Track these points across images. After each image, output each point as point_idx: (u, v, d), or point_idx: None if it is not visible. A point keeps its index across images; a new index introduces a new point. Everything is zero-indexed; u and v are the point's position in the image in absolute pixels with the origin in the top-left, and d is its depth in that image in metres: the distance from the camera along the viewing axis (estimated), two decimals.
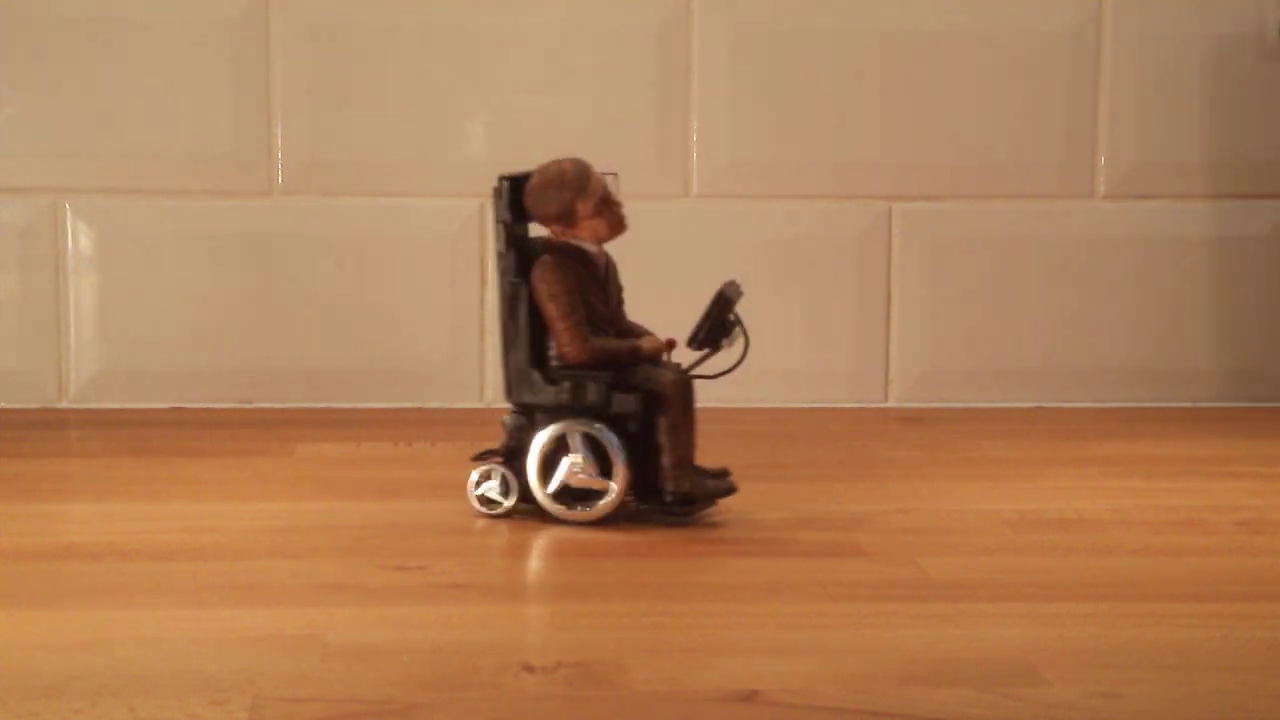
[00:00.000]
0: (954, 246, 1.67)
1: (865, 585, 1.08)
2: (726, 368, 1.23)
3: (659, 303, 1.65)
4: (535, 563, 1.13)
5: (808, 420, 1.62)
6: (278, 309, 1.63)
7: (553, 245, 1.23)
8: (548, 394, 1.22)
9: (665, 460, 1.21)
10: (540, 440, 1.21)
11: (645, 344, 1.23)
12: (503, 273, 1.23)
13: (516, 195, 1.23)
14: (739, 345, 1.23)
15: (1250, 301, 1.70)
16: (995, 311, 1.68)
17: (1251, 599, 1.05)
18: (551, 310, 1.21)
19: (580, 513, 1.21)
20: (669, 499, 1.22)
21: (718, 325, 1.23)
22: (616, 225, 1.23)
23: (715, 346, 1.23)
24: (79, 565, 1.10)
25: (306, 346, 1.64)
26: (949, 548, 1.16)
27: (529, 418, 1.23)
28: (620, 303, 1.26)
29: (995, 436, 1.54)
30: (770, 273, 1.65)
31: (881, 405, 1.68)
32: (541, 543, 1.18)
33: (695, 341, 1.23)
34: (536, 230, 1.25)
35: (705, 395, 1.65)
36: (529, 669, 0.91)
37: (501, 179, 1.23)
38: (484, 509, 1.23)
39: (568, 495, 1.22)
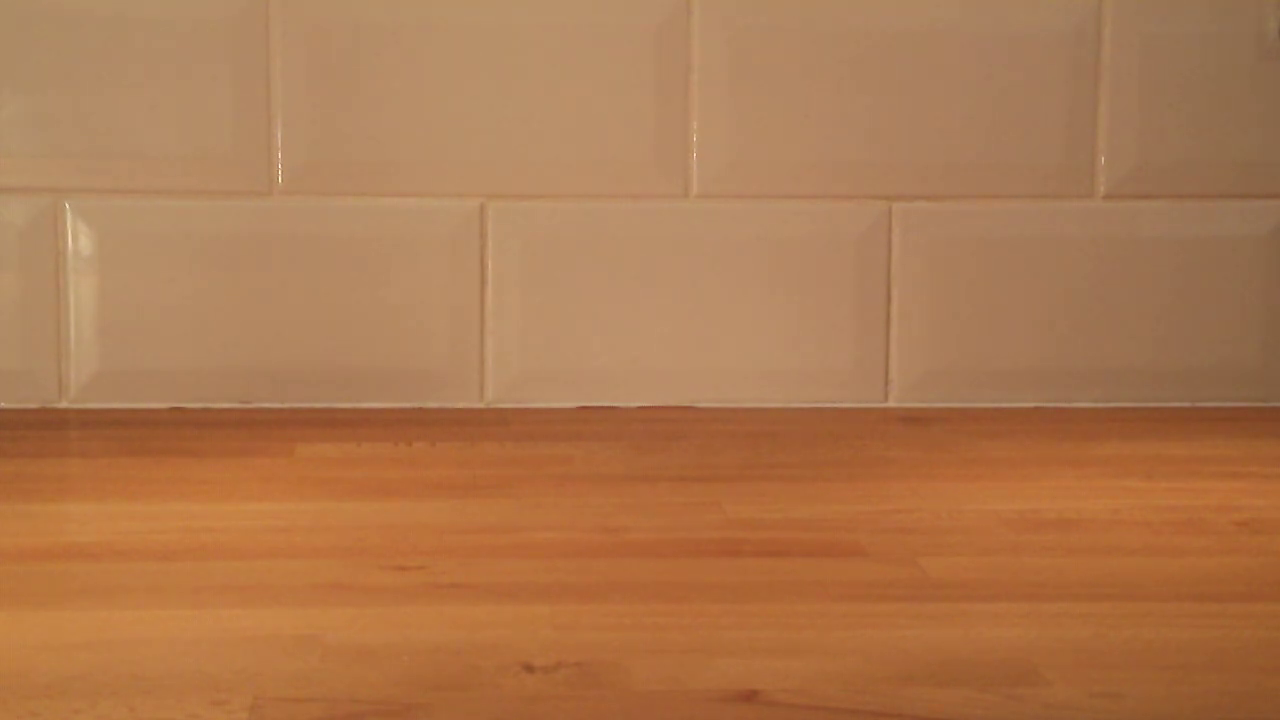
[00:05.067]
0: (954, 246, 1.67)
1: (865, 585, 1.08)
2: None
3: (659, 302, 1.66)
4: (535, 563, 1.13)
5: (808, 420, 1.61)
6: (277, 309, 1.63)
7: None
8: None
9: None
10: None
11: None
12: None
13: None
14: None
15: (1250, 301, 1.70)
16: (995, 311, 1.68)
17: (1251, 599, 1.05)
18: None
19: None
20: None
21: None
22: None
23: None
24: (79, 565, 1.10)
25: (306, 346, 1.64)
26: (949, 548, 1.16)
27: None
28: None
29: (995, 436, 1.54)
30: (770, 273, 1.65)
31: (881, 405, 1.68)
32: (542, 542, 1.18)
33: None
34: None
35: (703, 395, 1.66)
36: (529, 669, 0.91)
37: None
38: None
39: None
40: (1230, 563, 1.14)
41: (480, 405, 1.65)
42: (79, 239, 1.62)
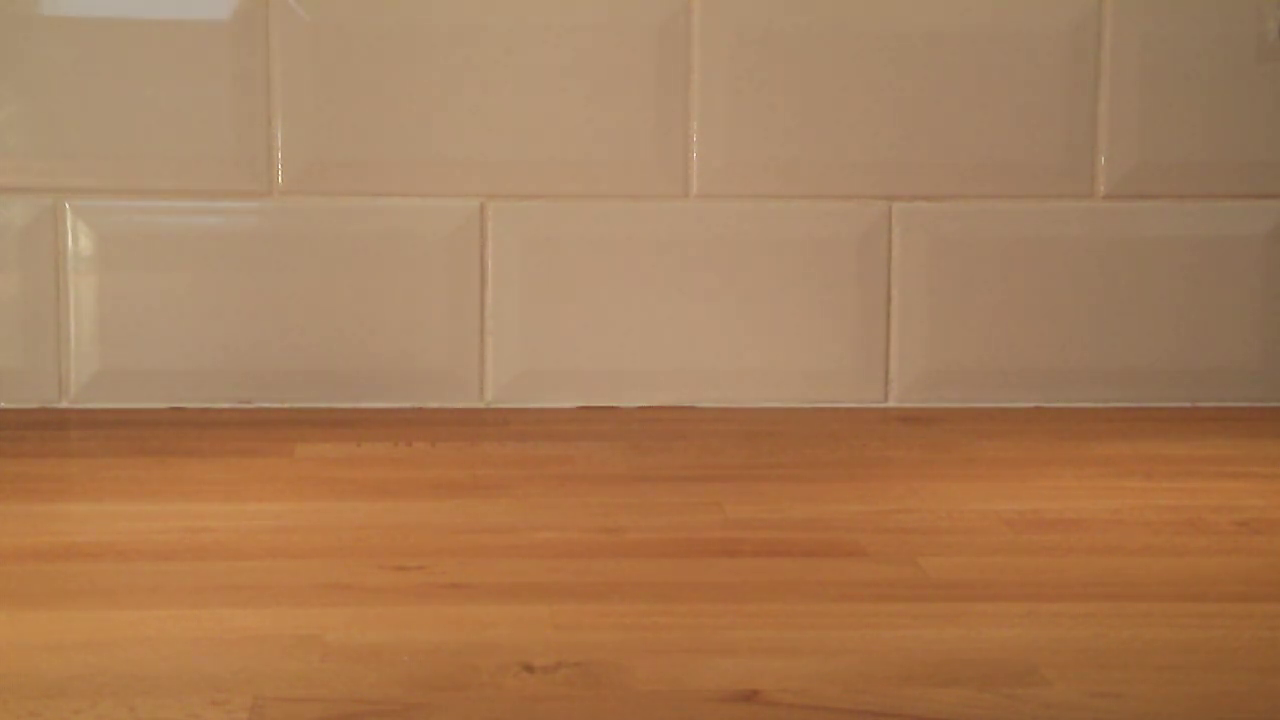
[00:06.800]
0: (954, 246, 1.67)
1: (865, 585, 1.08)
2: None
3: (659, 302, 1.66)
4: (535, 563, 1.13)
5: (808, 420, 1.61)
6: (278, 309, 1.63)
7: None
8: None
9: None
10: None
11: None
12: None
13: None
14: None
15: (1250, 301, 1.70)
16: (995, 311, 1.68)
17: (1251, 599, 1.05)
18: None
19: None
20: None
21: None
22: None
23: None
24: (79, 565, 1.10)
25: (306, 346, 1.64)
26: (949, 548, 1.16)
27: None
28: None
29: (995, 436, 1.54)
30: (770, 273, 1.65)
31: (881, 405, 1.68)
32: (542, 542, 1.18)
33: None
34: None
35: (703, 395, 1.66)
36: (529, 669, 0.91)
37: None
38: None
39: None
40: (1230, 563, 1.14)
41: (480, 405, 1.65)
42: (79, 239, 1.62)
